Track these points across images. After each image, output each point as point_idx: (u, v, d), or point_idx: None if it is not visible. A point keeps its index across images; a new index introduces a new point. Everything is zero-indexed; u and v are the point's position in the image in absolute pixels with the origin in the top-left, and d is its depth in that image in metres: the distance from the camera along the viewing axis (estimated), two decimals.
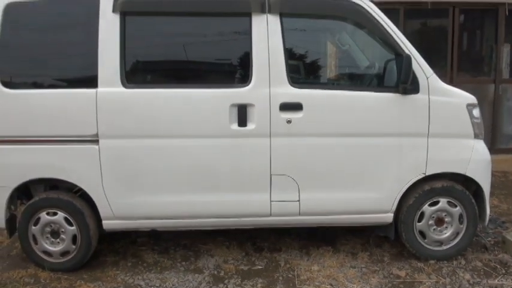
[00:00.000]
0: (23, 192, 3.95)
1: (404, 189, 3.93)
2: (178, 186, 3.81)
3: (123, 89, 3.68)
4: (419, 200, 3.95)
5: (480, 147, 3.99)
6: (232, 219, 3.93)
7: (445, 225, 4.02)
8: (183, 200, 3.83)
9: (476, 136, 3.95)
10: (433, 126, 3.84)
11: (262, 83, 3.72)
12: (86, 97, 3.67)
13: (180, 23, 3.88)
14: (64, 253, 3.89)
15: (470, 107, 3.92)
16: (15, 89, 3.70)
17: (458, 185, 4.01)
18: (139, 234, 4.56)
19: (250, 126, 3.74)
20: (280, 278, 3.86)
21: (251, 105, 3.72)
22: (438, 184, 3.96)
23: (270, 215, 3.89)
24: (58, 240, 3.87)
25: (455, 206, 3.99)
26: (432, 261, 4.02)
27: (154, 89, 3.77)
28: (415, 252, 4.06)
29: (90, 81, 3.67)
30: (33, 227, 3.85)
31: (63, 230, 3.85)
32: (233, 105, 3.71)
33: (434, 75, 3.86)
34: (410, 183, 3.92)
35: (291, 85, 3.75)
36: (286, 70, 3.74)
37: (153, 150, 3.75)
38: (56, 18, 3.77)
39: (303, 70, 4.20)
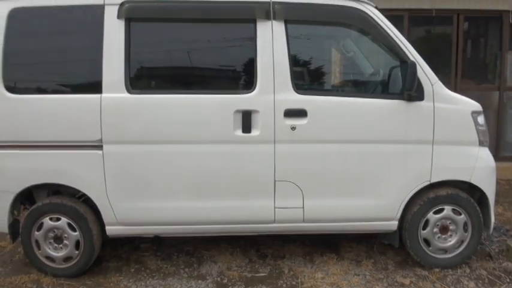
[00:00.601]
0: (26, 197, 3.95)
1: (408, 197, 3.92)
2: (182, 192, 3.80)
3: (127, 95, 3.68)
4: (424, 208, 3.93)
5: (485, 154, 3.97)
6: (236, 225, 3.91)
7: (449, 233, 4.00)
8: (186, 206, 3.82)
9: (481, 143, 3.93)
10: (438, 133, 3.82)
11: (266, 90, 3.72)
12: (91, 103, 3.67)
13: (185, 29, 3.87)
14: (67, 259, 3.89)
15: (475, 114, 3.91)
16: (19, 94, 3.71)
17: (463, 193, 3.99)
18: (142, 240, 4.55)
19: (255, 132, 3.73)
20: (284, 285, 3.84)
21: (255, 111, 3.71)
22: (443, 192, 3.94)
23: (274, 221, 3.88)
24: (61, 245, 3.87)
25: (460, 214, 3.98)
26: (437, 270, 4.00)
27: (159, 94, 3.77)
28: (419, 260, 4.04)
29: (95, 87, 3.67)
30: (36, 232, 3.85)
31: (66, 235, 3.85)
32: (237, 111, 3.71)
33: (439, 82, 3.85)
34: (415, 190, 3.91)
35: (296, 91, 3.75)
36: (291, 76, 3.74)
37: (157, 156, 3.74)
38: (60, 23, 3.77)
39: (308, 77, 4.19)
